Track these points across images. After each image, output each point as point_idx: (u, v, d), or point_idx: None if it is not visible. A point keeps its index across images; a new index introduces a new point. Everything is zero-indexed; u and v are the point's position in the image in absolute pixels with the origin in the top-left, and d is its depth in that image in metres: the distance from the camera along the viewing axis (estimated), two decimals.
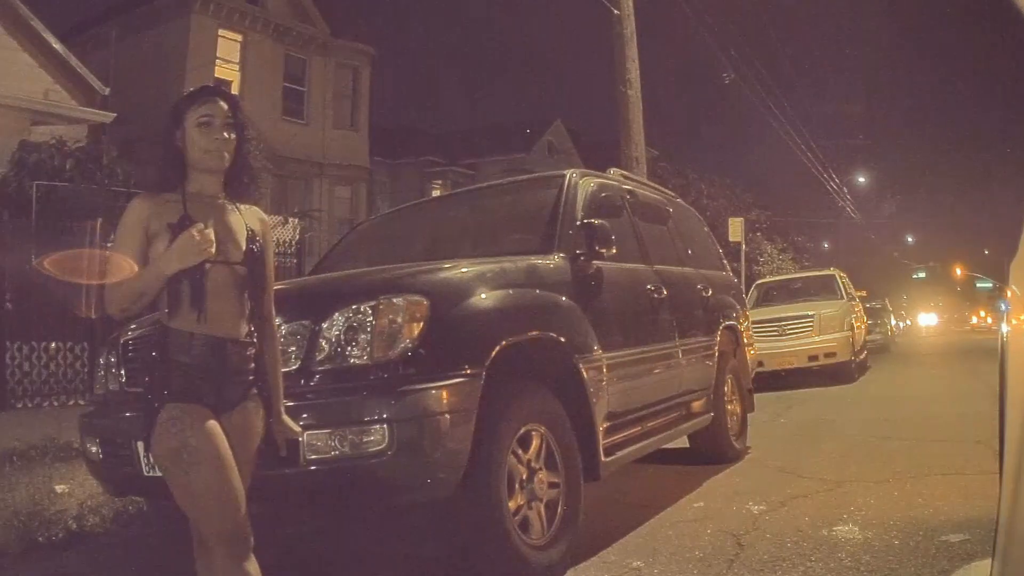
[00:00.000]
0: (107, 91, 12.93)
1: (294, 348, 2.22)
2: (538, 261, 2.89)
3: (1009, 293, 1.80)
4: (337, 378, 2.13)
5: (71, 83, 12.69)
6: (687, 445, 4.54)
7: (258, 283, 1.82)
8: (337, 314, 2.18)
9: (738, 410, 4.88)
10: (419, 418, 2.05)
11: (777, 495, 3.58)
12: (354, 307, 2.17)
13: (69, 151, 9.78)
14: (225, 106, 1.83)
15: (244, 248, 1.80)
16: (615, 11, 9.95)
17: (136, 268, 1.74)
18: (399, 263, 3.17)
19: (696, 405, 4.17)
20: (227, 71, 17.67)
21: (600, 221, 3.15)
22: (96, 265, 8.16)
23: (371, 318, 2.14)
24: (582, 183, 3.52)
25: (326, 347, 2.16)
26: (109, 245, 8.74)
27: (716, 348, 4.45)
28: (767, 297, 11.51)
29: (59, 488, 4.37)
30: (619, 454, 3.03)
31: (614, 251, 3.15)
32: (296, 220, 10.53)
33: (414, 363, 2.13)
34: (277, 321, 2.27)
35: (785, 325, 9.75)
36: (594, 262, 3.12)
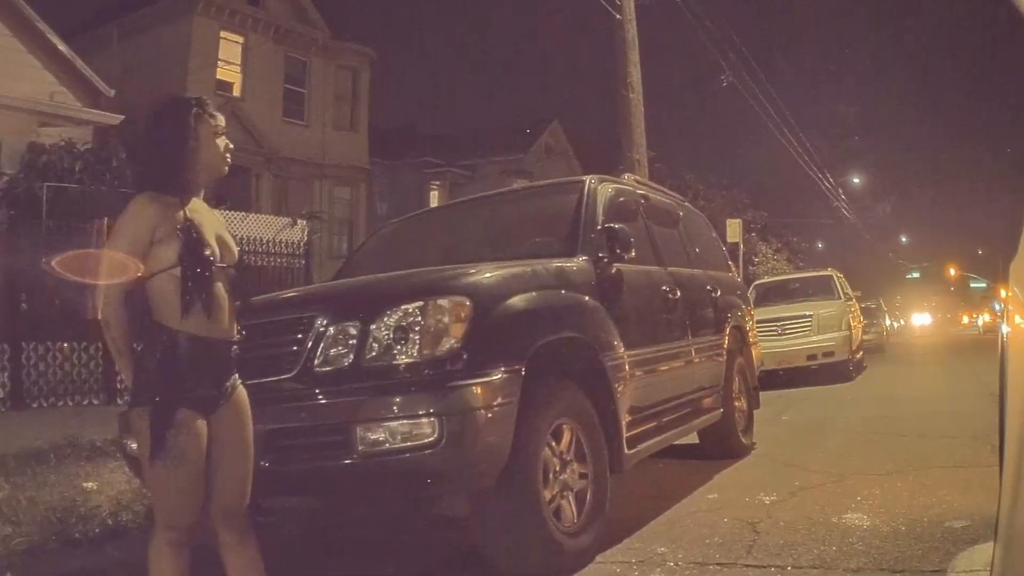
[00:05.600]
0: (112, 93, 13.00)
1: (343, 348, 2.37)
2: (565, 264, 3.05)
3: (1010, 293, 1.86)
4: (388, 375, 2.29)
5: (76, 85, 12.75)
6: (696, 441, 4.70)
7: (243, 283, 1.99)
8: (386, 315, 2.33)
9: (745, 407, 5.04)
10: (468, 411, 2.20)
11: (786, 487, 3.75)
12: (403, 308, 2.32)
13: (78, 153, 9.87)
14: (223, 119, 2.02)
15: (236, 253, 1.97)
16: (617, 15, 10.11)
17: (136, 268, 1.87)
18: (428, 265, 3.32)
19: (707, 401, 4.34)
20: (228, 72, 17.76)
21: (620, 225, 3.31)
22: (104, 265, 8.25)
23: (419, 318, 2.30)
24: (600, 188, 3.68)
25: (376, 346, 2.31)
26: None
27: (725, 347, 4.62)
28: (766, 297, 11.69)
29: (87, 485, 4.47)
30: (640, 447, 3.19)
31: (633, 254, 3.31)
32: (304, 222, 10.65)
33: (460, 360, 2.28)
34: (322, 322, 2.44)
35: (784, 325, 9.93)
36: (615, 265, 3.28)
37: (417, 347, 2.28)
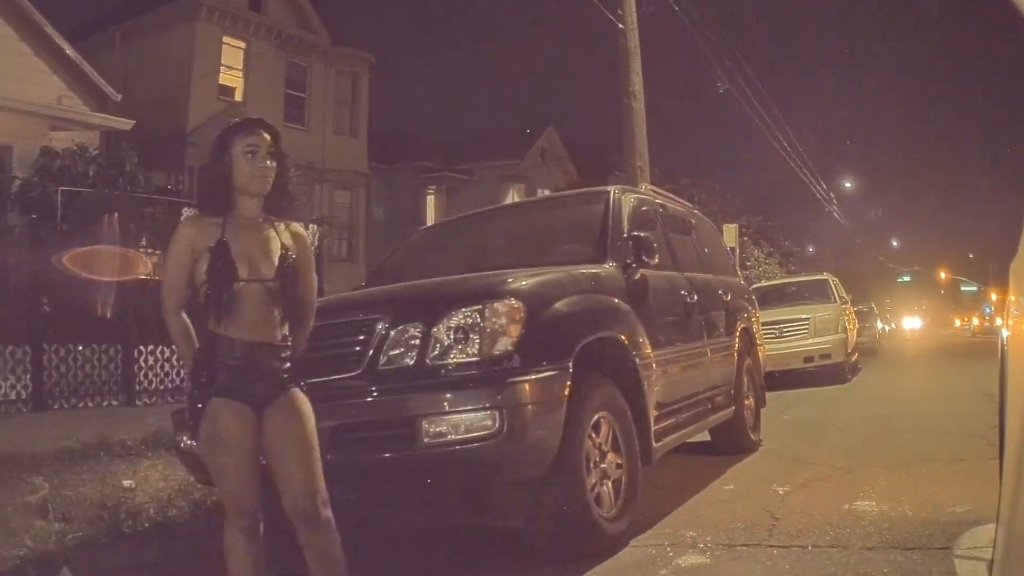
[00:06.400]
0: (119, 97, 13.13)
1: (406, 348, 2.59)
2: (598, 270, 3.29)
3: (1011, 294, 1.86)
4: (451, 372, 2.51)
5: (83, 89, 12.85)
6: (706, 438, 4.94)
7: (290, 295, 2.11)
8: (446, 317, 2.56)
9: (753, 405, 5.30)
10: (526, 405, 2.43)
11: (797, 479, 4.00)
12: (462, 311, 2.55)
13: (91, 157, 10.03)
14: (268, 137, 2.14)
15: (276, 266, 2.10)
16: (620, 25, 10.36)
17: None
18: (463, 271, 3.54)
19: (720, 399, 4.58)
20: (231, 78, 17.91)
21: (645, 233, 3.56)
22: (115, 262, 8.46)
23: (478, 320, 2.53)
24: (624, 198, 3.93)
25: (438, 346, 2.54)
26: (145, 249, 8.91)
27: (736, 348, 4.87)
28: (763, 301, 11.89)
29: (126, 483, 4.62)
30: (665, 440, 3.44)
31: (657, 260, 3.56)
32: (315, 227, 10.88)
33: (516, 358, 2.51)
34: (385, 324, 2.65)
35: (782, 327, 10.20)
36: (640, 270, 3.52)
37: (477, 346, 2.50)
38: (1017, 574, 1.36)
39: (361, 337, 2.65)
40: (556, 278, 2.94)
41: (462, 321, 2.54)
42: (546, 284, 2.84)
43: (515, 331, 2.54)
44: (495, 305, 2.56)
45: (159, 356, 8.29)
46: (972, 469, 3.82)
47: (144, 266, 8.80)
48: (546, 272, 2.98)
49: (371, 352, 2.61)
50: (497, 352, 2.51)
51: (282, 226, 2.20)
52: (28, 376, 7.32)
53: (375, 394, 2.56)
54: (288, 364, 2.12)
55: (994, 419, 4.54)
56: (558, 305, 2.77)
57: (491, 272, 3.13)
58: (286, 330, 2.12)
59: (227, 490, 2.10)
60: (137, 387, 8.06)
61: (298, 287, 2.16)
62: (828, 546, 2.74)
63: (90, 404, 7.69)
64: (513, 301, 2.59)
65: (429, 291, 2.90)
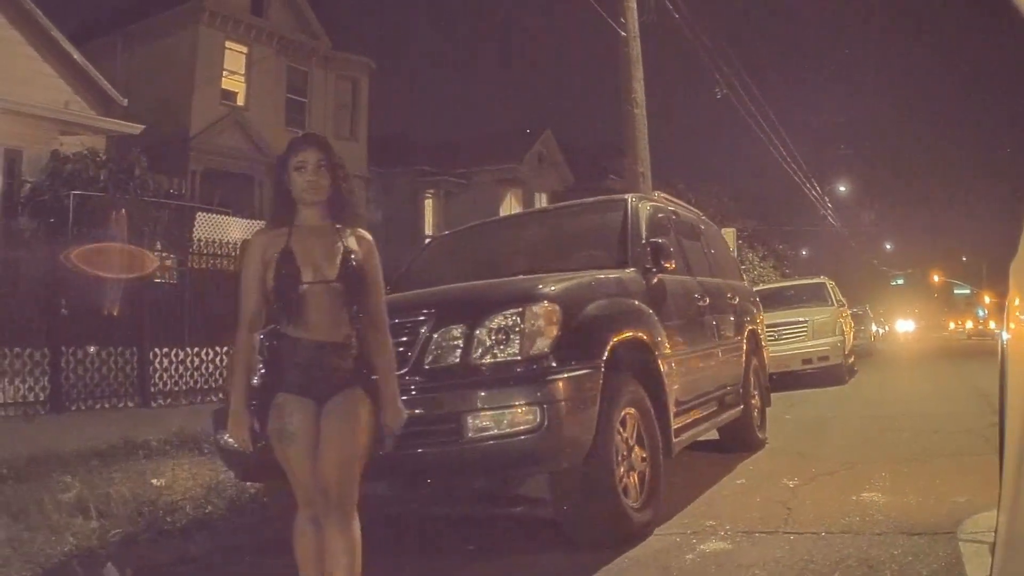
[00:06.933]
0: (125, 102, 13.24)
1: (450, 348, 2.77)
2: (621, 275, 3.49)
3: (1012, 295, 1.86)
4: (493, 370, 2.70)
5: (89, 93, 12.95)
6: (716, 436, 5.13)
7: (354, 295, 2.23)
8: (488, 319, 2.74)
9: (759, 404, 5.50)
10: (565, 400, 2.62)
11: (805, 473, 4.20)
12: (504, 313, 2.74)
13: (102, 162, 10.16)
14: (317, 152, 2.27)
15: (338, 268, 2.22)
16: (622, 33, 10.57)
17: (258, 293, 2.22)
18: (490, 275, 3.72)
19: (729, 399, 4.78)
20: (233, 82, 18.04)
21: (663, 240, 3.76)
22: (129, 263, 8.56)
23: (518, 322, 2.72)
24: (641, 206, 4.13)
25: (481, 346, 2.73)
26: (159, 253, 8.92)
27: (744, 348, 5.07)
28: (762, 304, 12.16)
29: (155, 482, 4.75)
30: (683, 436, 3.64)
31: (673, 265, 3.76)
32: None
33: (554, 357, 2.70)
34: (428, 326, 2.83)
35: (781, 330, 10.41)
36: (659, 275, 3.72)
37: (517, 346, 2.70)
38: (1018, 558, 1.49)
39: (405, 338, 2.83)
40: (586, 282, 3.13)
41: (503, 323, 2.73)
42: (578, 288, 3.04)
43: (552, 332, 2.73)
44: (534, 308, 2.75)
45: (173, 358, 8.43)
46: (969, 463, 4.03)
47: (158, 268, 8.95)
48: (576, 277, 3.18)
49: (416, 352, 2.79)
50: (536, 352, 2.70)
51: (348, 232, 2.33)
52: (47, 378, 7.44)
53: (422, 392, 2.74)
54: (352, 364, 2.25)
55: (990, 418, 4.77)
56: (589, 308, 2.96)
57: (526, 277, 3.32)
58: (351, 330, 2.26)
59: (295, 481, 2.24)
60: (152, 389, 8.19)
61: (366, 287, 2.28)
62: (840, 532, 2.94)
63: (106, 406, 7.81)
64: (550, 304, 2.78)
65: (469, 295, 3.09)
